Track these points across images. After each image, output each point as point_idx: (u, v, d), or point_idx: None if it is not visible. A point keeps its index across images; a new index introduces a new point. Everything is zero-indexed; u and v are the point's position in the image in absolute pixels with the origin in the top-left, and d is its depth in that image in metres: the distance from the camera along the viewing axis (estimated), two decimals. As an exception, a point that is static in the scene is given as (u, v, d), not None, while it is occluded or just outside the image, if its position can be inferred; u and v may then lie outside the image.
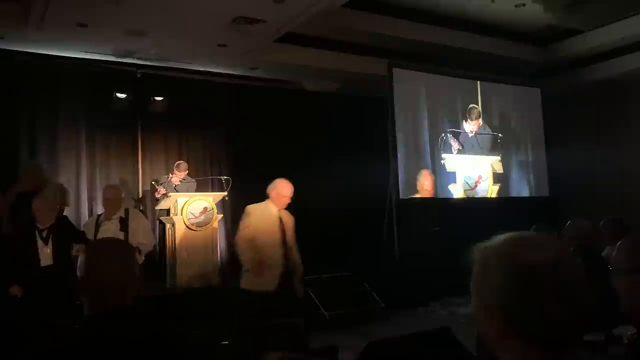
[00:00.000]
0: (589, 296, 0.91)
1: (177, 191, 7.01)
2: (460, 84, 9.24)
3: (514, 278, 0.91)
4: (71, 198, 7.52)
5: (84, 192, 7.70)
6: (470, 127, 9.11)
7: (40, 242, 4.20)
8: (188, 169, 7.39)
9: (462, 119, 9.15)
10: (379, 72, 8.23)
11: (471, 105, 9.15)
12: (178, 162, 7.45)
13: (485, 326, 0.96)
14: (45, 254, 4.15)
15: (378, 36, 7.77)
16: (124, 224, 4.91)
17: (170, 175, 7.32)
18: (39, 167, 5.79)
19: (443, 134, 8.89)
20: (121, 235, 4.76)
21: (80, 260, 1.65)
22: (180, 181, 7.24)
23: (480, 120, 9.24)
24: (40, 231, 4.25)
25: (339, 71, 8.45)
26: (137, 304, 1.62)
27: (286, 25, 6.57)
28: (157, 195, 7.19)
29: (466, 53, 8.52)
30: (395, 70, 8.37)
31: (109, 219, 4.96)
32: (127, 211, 5.10)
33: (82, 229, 5.25)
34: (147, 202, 7.99)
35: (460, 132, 9.07)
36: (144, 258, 5.11)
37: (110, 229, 4.84)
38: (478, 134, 9.17)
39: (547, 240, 0.96)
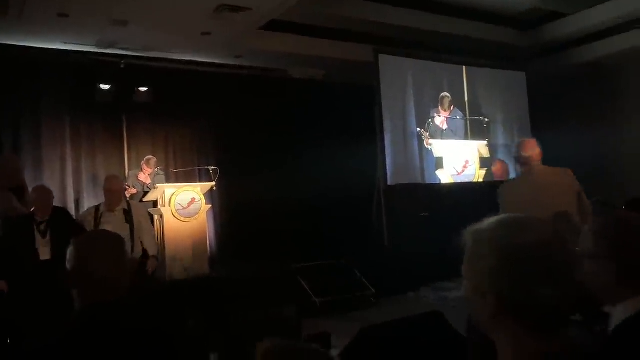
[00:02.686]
0: (579, 277, 0.92)
1: (148, 189, 6.93)
2: (446, 69, 9.25)
3: (506, 261, 0.92)
4: (57, 191, 7.48)
5: (69, 185, 7.62)
6: (442, 115, 9.10)
7: (38, 236, 4.11)
8: (175, 160, 7.33)
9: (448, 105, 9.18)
10: (366, 59, 8.20)
11: (443, 94, 9.15)
12: (148, 157, 7.33)
13: (478, 308, 0.97)
14: (44, 247, 4.07)
15: (364, 22, 7.73)
16: (128, 215, 4.72)
17: (138, 172, 7.22)
18: (15, 161, 5.38)
19: (430, 119, 8.91)
20: (126, 228, 4.61)
21: (68, 253, 1.61)
22: (148, 176, 7.15)
23: (452, 107, 9.24)
24: (39, 224, 4.16)
25: (325, 58, 8.41)
26: (128, 295, 1.61)
27: (271, 13, 6.51)
28: (128, 196, 6.84)
29: (451, 38, 8.51)
30: (381, 56, 8.35)
31: (111, 211, 4.73)
32: (129, 203, 4.93)
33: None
34: (135, 195, 7.94)
35: (445, 118, 9.10)
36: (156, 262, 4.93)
37: (113, 222, 4.64)
38: (450, 118, 9.17)
39: (537, 222, 0.96)
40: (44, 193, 4.46)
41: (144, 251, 4.79)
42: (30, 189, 4.62)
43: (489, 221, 0.99)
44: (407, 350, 2.42)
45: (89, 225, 4.59)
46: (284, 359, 0.87)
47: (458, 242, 1.01)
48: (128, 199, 5.86)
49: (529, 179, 3.86)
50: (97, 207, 4.84)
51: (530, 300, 0.90)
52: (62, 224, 4.26)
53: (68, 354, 1.41)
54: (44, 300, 3.73)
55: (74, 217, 5.58)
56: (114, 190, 4.78)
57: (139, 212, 4.92)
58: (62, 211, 4.69)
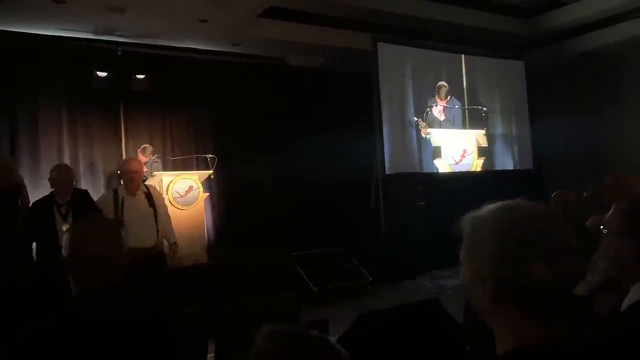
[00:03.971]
0: (579, 263, 0.92)
1: (145, 177, 6.90)
2: (445, 58, 9.22)
3: (505, 246, 0.92)
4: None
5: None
6: (440, 104, 9.08)
7: (59, 219, 3.97)
8: (173, 148, 7.29)
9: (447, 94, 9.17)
10: (364, 47, 8.17)
11: (440, 83, 9.12)
12: (144, 145, 7.28)
13: (476, 294, 0.97)
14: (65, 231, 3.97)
15: (362, 10, 7.68)
16: (150, 199, 4.44)
17: None
18: (6, 162, 5.15)
19: (428, 108, 8.90)
20: (150, 212, 4.38)
21: (65, 238, 1.61)
22: (145, 165, 7.10)
23: (449, 97, 9.21)
24: (59, 206, 3.99)
25: (323, 46, 8.36)
26: (126, 282, 1.61)
27: (269, 0, 6.47)
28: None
29: (451, 27, 8.48)
30: (380, 44, 8.32)
31: (132, 194, 4.37)
32: (147, 187, 4.60)
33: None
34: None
35: (444, 107, 9.09)
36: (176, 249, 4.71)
37: (137, 206, 4.35)
38: (448, 107, 9.15)
39: (536, 208, 0.96)
40: (63, 173, 4.19)
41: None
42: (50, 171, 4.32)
43: (488, 207, 0.99)
44: (404, 337, 2.44)
45: (109, 212, 4.23)
46: (284, 343, 0.87)
47: (456, 228, 1.00)
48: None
49: None
50: (115, 192, 4.46)
51: (529, 285, 0.90)
52: (84, 207, 4.04)
53: (62, 340, 1.41)
54: (64, 284, 3.66)
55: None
56: (135, 170, 4.39)
57: (158, 195, 4.70)
58: (84, 193, 4.44)
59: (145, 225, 4.29)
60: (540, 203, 0.99)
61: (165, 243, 4.67)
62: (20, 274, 3.93)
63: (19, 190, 4.79)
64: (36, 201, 4.24)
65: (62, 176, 4.13)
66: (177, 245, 4.69)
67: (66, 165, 4.63)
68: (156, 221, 4.40)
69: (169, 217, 4.68)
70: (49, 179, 4.17)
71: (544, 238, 0.91)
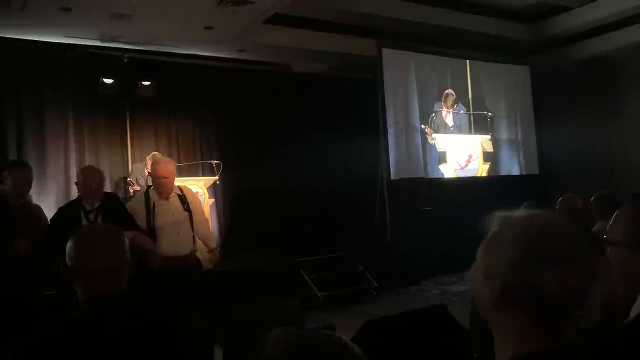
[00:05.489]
0: (593, 281, 0.92)
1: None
2: (449, 63, 9.23)
3: (526, 254, 0.92)
4: (60, 184, 7.50)
5: (73, 178, 7.62)
6: (445, 111, 9.08)
7: None
8: (179, 154, 7.30)
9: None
10: (369, 53, 8.18)
11: (447, 91, 9.12)
12: (153, 153, 7.23)
13: (482, 291, 0.96)
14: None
15: (367, 16, 7.70)
16: (184, 202, 4.08)
17: (143, 168, 7.15)
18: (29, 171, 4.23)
19: (433, 114, 8.90)
20: (186, 216, 4.04)
21: (67, 248, 1.60)
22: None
23: (456, 105, 9.21)
24: (87, 212, 3.63)
25: (328, 52, 8.38)
26: (131, 288, 1.62)
27: (274, 6, 6.49)
28: (131, 193, 6.74)
29: (455, 32, 8.48)
30: (384, 50, 8.34)
31: (165, 198, 4.03)
32: (181, 188, 4.24)
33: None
34: (138, 192, 7.95)
35: (450, 112, 9.08)
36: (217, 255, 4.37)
37: (171, 210, 4.01)
38: (453, 112, 9.15)
39: (565, 223, 0.97)
40: (92, 175, 3.77)
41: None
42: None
43: (521, 212, 0.99)
44: (411, 344, 2.43)
45: (141, 218, 3.94)
46: (296, 343, 0.84)
47: (482, 224, 1.00)
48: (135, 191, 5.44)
49: None
50: (146, 195, 4.10)
51: (539, 292, 0.90)
52: (115, 213, 3.69)
53: (69, 347, 1.42)
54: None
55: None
56: (163, 175, 3.99)
57: (193, 197, 4.29)
58: (114, 197, 4.13)
59: (180, 232, 3.99)
60: (547, 208, 1.00)
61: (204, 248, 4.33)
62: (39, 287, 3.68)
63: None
64: (62, 207, 3.92)
65: (90, 179, 3.71)
66: (217, 250, 4.33)
67: (93, 166, 4.18)
68: (192, 226, 4.08)
69: (207, 220, 4.33)
70: (75, 183, 3.85)
71: (566, 253, 0.91)
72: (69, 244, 1.59)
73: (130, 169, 7.55)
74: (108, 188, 7.69)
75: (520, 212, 0.99)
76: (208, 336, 3.26)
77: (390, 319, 2.72)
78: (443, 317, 2.72)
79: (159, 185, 3.99)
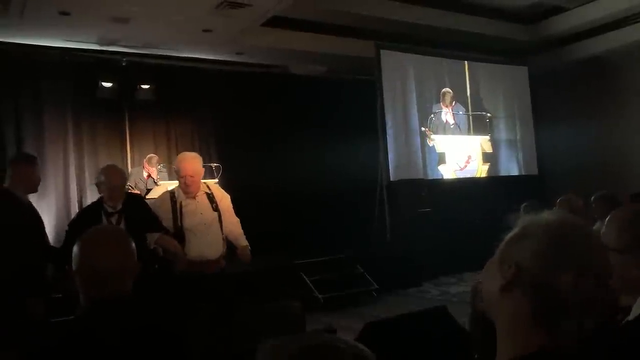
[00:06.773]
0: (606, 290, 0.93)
1: (151, 187, 6.87)
2: (448, 64, 9.24)
3: (551, 250, 0.93)
4: (60, 188, 7.50)
5: (72, 182, 7.63)
6: (445, 110, 9.10)
7: None
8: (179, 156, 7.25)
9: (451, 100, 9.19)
10: (367, 55, 8.19)
11: (444, 90, 9.14)
12: (149, 155, 7.21)
13: (492, 275, 0.97)
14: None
15: (365, 18, 7.72)
16: (212, 201, 3.81)
17: (142, 170, 7.12)
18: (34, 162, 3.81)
19: (432, 115, 8.91)
20: (215, 216, 3.78)
21: (73, 251, 1.59)
22: (157, 176, 7.09)
23: (454, 103, 9.23)
24: (109, 215, 3.43)
25: (326, 54, 8.40)
26: (135, 291, 1.62)
27: (272, 9, 6.51)
28: None
29: (453, 33, 8.50)
30: (383, 52, 8.35)
31: (192, 197, 3.75)
32: (208, 186, 3.97)
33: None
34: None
35: (448, 112, 9.10)
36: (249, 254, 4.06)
37: (199, 210, 3.74)
38: (452, 113, 9.17)
39: (591, 229, 0.98)
40: (114, 175, 3.52)
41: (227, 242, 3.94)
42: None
43: (551, 213, 1.00)
44: (412, 345, 2.43)
45: (167, 219, 3.67)
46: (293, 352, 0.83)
47: (508, 223, 1.01)
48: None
49: None
50: (171, 194, 3.80)
51: (551, 289, 0.91)
52: (139, 215, 3.50)
53: (72, 354, 1.41)
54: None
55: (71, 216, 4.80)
56: (189, 174, 3.68)
57: (222, 195, 4.00)
58: (138, 198, 3.93)
59: (209, 233, 3.72)
60: (546, 209, 1.01)
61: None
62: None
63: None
64: (83, 209, 3.70)
65: (114, 179, 3.47)
66: (249, 248, 4.08)
67: (115, 165, 3.91)
68: (221, 227, 3.81)
69: (237, 218, 4.05)
70: (96, 184, 3.62)
71: (585, 258, 0.93)
72: (74, 247, 1.58)
73: (129, 172, 7.55)
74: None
75: (548, 212, 1.00)
76: (210, 339, 3.26)
77: (391, 321, 2.73)
78: (443, 318, 2.73)
79: (186, 185, 3.68)
